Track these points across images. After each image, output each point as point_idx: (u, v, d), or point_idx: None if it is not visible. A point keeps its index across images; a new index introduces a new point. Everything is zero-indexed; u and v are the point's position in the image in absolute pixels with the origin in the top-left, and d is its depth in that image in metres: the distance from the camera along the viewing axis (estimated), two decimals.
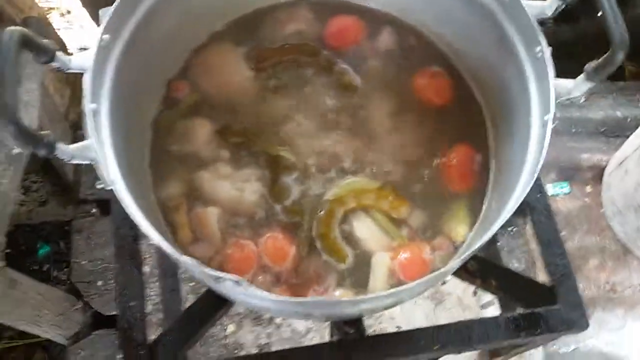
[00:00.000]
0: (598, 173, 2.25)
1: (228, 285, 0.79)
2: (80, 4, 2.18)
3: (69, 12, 2.82)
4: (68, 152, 0.82)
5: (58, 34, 2.08)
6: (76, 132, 2.21)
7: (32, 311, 1.72)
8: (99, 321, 2.06)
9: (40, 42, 0.82)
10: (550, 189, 2.19)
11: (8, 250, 2.12)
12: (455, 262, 0.88)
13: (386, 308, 0.97)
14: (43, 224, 2.32)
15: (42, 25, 1.79)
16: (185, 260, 0.79)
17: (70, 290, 2.05)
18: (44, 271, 2.26)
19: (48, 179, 2.30)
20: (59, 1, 2.70)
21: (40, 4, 2.11)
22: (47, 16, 2.67)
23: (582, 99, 2.35)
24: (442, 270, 0.85)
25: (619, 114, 2.34)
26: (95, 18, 2.19)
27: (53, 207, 2.32)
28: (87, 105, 0.86)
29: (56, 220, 2.31)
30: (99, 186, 0.83)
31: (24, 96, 1.55)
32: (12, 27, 0.78)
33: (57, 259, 2.27)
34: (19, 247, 2.28)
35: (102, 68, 0.92)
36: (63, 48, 2.00)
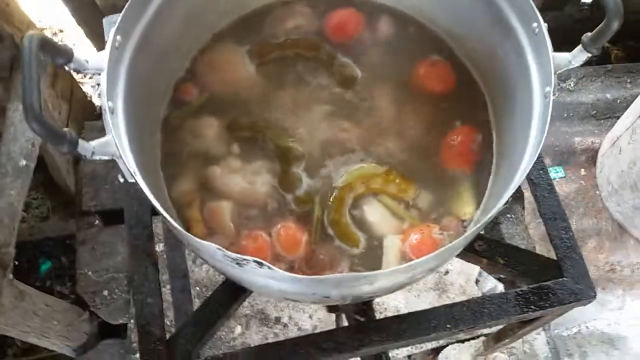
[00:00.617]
0: (592, 156, 2.30)
1: (250, 267, 0.81)
2: (74, 23, 2.21)
3: (61, 31, 2.85)
4: (89, 148, 0.84)
5: None
6: None
7: (41, 322, 1.73)
8: (106, 331, 2.07)
9: (58, 45, 0.85)
10: None
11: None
12: (466, 235, 0.90)
13: (400, 287, 0.99)
14: (44, 240, 2.33)
15: None
16: (208, 245, 0.81)
17: (76, 303, 2.05)
18: (47, 287, 2.26)
19: (49, 195, 2.32)
20: (53, 20, 2.73)
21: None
22: None
23: (572, 84, 2.41)
24: (454, 242, 0.87)
25: (608, 96, 2.40)
26: (90, 36, 2.22)
27: (55, 222, 2.34)
28: (105, 103, 0.88)
29: (57, 236, 2.31)
30: (121, 180, 0.86)
31: None
32: (32, 32, 0.81)
33: (59, 274, 2.28)
34: (21, 263, 2.28)
35: (115, 68, 0.95)
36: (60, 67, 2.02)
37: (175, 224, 0.83)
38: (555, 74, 0.90)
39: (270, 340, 1.97)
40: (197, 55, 1.23)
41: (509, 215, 2.14)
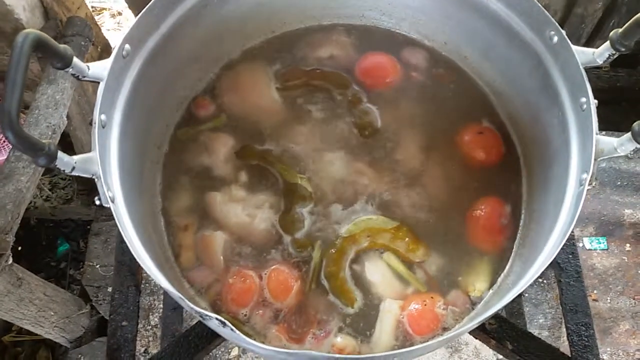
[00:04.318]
0: None
1: (214, 324, 0.73)
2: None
3: (119, 13, 2.86)
4: (69, 163, 0.78)
5: (105, 35, 2.08)
6: None
7: (36, 311, 1.69)
8: (104, 328, 2.03)
9: (56, 47, 0.78)
10: (587, 243, 2.08)
11: (20, 248, 2.13)
12: (471, 325, 0.80)
13: None
14: (66, 221, 2.32)
15: (85, 25, 1.78)
16: (172, 292, 0.74)
17: (82, 292, 2.03)
18: (61, 268, 2.25)
19: (76, 177, 2.30)
20: (111, 2, 2.74)
21: (92, 4, 2.12)
22: (98, 17, 2.70)
23: (632, 152, 2.23)
24: (455, 332, 0.78)
25: None
26: None
27: (77, 205, 2.32)
28: (96, 116, 0.82)
29: (79, 219, 2.30)
30: (97, 202, 0.79)
31: (56, 95, 1.53)
32: (28, 30, 0.75)
33: (75, 257, 2.26)
34: (40, 242, 2.28)
35: (119, 79, 0.89)
36: (108, 49, 2.00)
37: (147, 261, 0.76)
38: (595, 160, 0.78)
39: None
40: (221, 71, 1.17)
41: (540, 280, 1.98)
